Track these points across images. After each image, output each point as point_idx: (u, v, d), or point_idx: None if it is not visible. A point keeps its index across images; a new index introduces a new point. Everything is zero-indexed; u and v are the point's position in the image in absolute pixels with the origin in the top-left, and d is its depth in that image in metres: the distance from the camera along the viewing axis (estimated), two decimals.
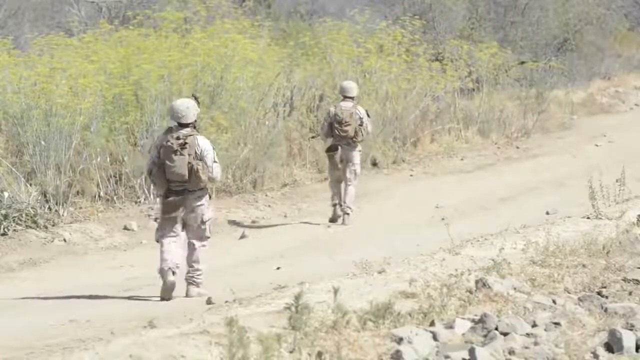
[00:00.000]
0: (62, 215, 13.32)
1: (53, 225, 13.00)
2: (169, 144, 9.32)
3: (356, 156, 13.96)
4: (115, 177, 14.59)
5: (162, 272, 9.37)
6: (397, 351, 6.09)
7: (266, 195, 15.61)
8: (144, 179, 14.47)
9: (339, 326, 6.25)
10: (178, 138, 9.32)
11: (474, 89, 21.51)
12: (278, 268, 10.94)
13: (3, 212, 12.67)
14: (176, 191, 9.39)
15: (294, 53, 19.30)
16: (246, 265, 11.27)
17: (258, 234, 13.65)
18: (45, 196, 13.35)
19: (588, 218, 11.11)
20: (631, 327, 6.75)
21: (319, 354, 5.93)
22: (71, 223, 13.27)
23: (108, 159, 14.65)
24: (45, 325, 8.29)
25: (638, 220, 10.66)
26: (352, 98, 13.99)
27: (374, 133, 16.45)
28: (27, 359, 6.76)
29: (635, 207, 11.61)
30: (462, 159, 19.25)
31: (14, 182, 13.24)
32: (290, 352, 5.88)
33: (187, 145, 9.28)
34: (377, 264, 8.85)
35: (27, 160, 13.83)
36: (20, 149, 14.15)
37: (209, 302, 8.75)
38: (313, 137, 16.13)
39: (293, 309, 6.00)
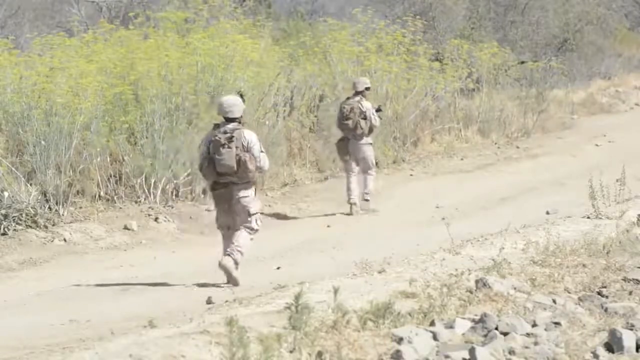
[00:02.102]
0: (62, 215, 13.32)
1: (53, 225, 12.99)
2: (216, 138, 9.81)
3: (364, 149, 14.75)
4: (116, 176, 14.58)
5: (223, 269, 9.79)
6: (397, 351, 6.09)
7: (266, 195, 15.60)
8: (143, 179, 14.49)
9: (339, 326, 6.25)
10: (225, 132, 9.81)
11: (474, 89, 21.52)
12: (278, 268, 10.94)
13: (3, 211, 12.67)
14: (223, 183, 9.86)
15: (294, 53, 19.30)
16: (246, 265, 11.26)
17: (258, 234, 13.62)
18: (45, 196, 13.34)
19: (588, 218, 11.11)
20: (631, 327, 6.75)
21: (319, 354, 5.93)
22: (71, 223, 13.27)
23: (108, 159, 14.65)
24: (45, 325, 8.30)
25: (638, 219, 10.66)
26: (360, 92, 14.82)
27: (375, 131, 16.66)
28: (27, 359, 6.76)
29: (636, 206, 11.61)
30: (462, 159, 19.26)
31: (14, 182, 13.24)
32: (291, 351, 5.88)
33: (234, 139, 9.76)
34: (377, 263, 8.86)
35: (27, 160, 13.83)
36: (20, 149, 14.14)
37: (209, 301, 8.76)
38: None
39: (293, 308, 6.00)
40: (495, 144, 20.76)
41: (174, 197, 14.71)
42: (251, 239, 9.98)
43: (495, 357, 6.13)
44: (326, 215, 14.59)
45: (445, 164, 18.79)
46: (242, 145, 9.78)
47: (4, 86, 14.38)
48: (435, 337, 6.42)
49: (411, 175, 17.96)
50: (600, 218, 10.98)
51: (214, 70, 15.65)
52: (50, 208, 13.26)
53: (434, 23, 25.01)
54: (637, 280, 8.33)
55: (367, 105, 14.74)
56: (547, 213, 13.57)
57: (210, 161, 9.83)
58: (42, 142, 13.72)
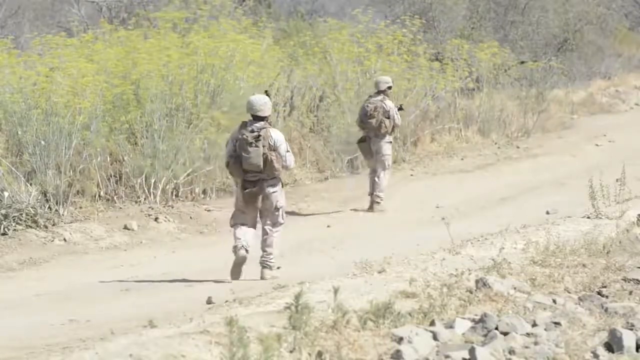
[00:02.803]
0: (62, 214, 13.31)
1: (53, 225, 12.99)
2: (244, 136, 10.02)
3: (385, 147, 14.90)
4: (116, 176, 14.58)
5: (235, 249, 10.01)
6: (397, 351, 6.09)
7: None
8: (143, 179, 14.49)
9: (339, 326, 6.25)
10: (252, 131, 10.03)
11: (474, 89, 21.52)
12: (278, 268, 10.92)
13: (3, 211, 12.67)
14: (252, 181, 10.05)
15: (294, 53, 19.30)
16: (246, 264, 11.26)
17: (258, 234, 13.62)
18: (45, 196, 13.34)
19: (588, 218, 11.10)
20: (631, 327, 6.75)
21: (319, 354, 5.93)
22: (71, 223, 13.26)
23: (108, 159, 14.64)
24: (45, 325, 8.29)
25: (638, 219, 10.66)
26: (382, 92, 15.00)
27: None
28: (27, 359, 6.76)
29: (636, 206, 11.60)
30: (462, 159, 19.25)
31: (14, 182, 13.23)
32: (291, 351, 5.88)
33: (261, 138, 9.98)
34: (377, 263, 8.85)
35: (27, 160, 13.82)
36: (20, 149, 14.14)
37: (209, 301, 8.76)
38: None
39: (293, 308, 6.00)
40: (496, 144, 20.76)
41: (174, 197, 14.72)
42: (279, 235, 10.26)
43: (495, 357, 6.13)
44: (327, 214, 14.58)
45: (446, 164, 18.79)
46: (269, 144, 10.01)
47: (4, 86, 14.37)
48: (435, 337, 6.42)
49: (411, 175, 17.95)
50: (600, 218, 10.97)
51: (214, 70, 15.64)
52: (50, 208, 13.25)
53: (434, 23, 25.01)
54: (637, 280, 8.33)
55: (390, 104, 14.95)
56: (547, 213, 13.57)
57: (236, 159, 10.05)
58: (42, 142, 13.71)
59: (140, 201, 14.40)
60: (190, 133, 14.97)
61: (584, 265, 8.72)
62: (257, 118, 10.11)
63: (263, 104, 10.16)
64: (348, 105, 18.08)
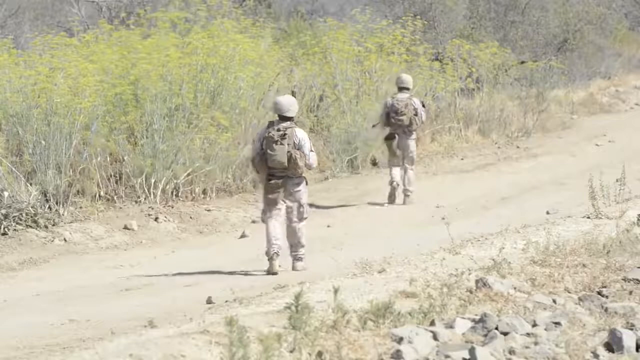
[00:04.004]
0: (63, 214, 13.32)
1: (53, 225, 12.99)
2: (270, 135, 10.48)
3: (412, 144, 15.28)
4: (116, 176, 14.58)
5: (268, 255, 10.55)
6: (398, 351, 6.09)
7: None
8: (143, 179, 14.49)
9: (339, 326, 6.25)
10: (279, 130, 10.49)
11: (474, 89, 21.52)
12: (279, 267, 10.94)
13: (3, 211, 12.67)
14: (277, 176, 10.55)
15: (294, 53, 19.30)
16: (246, 264, 11.27)
17: (258, 234, 13.63)
18: (45, 196, 13.34)
19: (588, 218, 11.09)
20: (631, 327, 6.74)
21: (319, 354, 5.93)
22: (71, 222, 13.26)
23: (108, 159, 14.65)
24: (45, 325, 8.29)
25: (638, 219, 10.65)
26: (408, 89, 15.22)
27: (376, 133, 16.89)
28: (27, 359, 6.77)
29: (636, 206, 11.60)
30: (462, 159, 19.25)
31: (14, 182, 13.24)
32: (291, 351, 5.87)
33: (286, 136, 10.44)
34: (377, 263, 8.85)
35: (28, 160, 13.83)
36: (20, 149, 14.15)
37: (209, 301, 8.77)
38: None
39: (293, 308, 6.00)
40: (496, 143, 20.76)
41: (174, 197, 14.72)
42: (305, 228, 10.76)
43: (495, 357, 6.13)
44: (327, 214, 14.57)
45: (446, 164, 18.78)
46: (294, 142, 10.46)
47: (4, 85, 14.38)
48: (435, 337, 6.42)
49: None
50: (601, 218, 10.96)
51: (214, 70, 15.64)
52: (50, 208, 13.25)
53: (434, 23, 25.01)
54: (637, 280, 8.32)
55: (418, 102, 15.24)
56: (548, 213, 13.56)
57: (262, 156, 10.50)
58: (42, 142, 13.72)
59: (140, 201, 14.40)
60: (190, 133, 14.97)
61: (584, 265, 8.71)
62: (283, 118, 10.56)
63: (290, 104, 10.63)
64: (348, 105, 18.08)
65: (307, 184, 10.80)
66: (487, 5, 26.69)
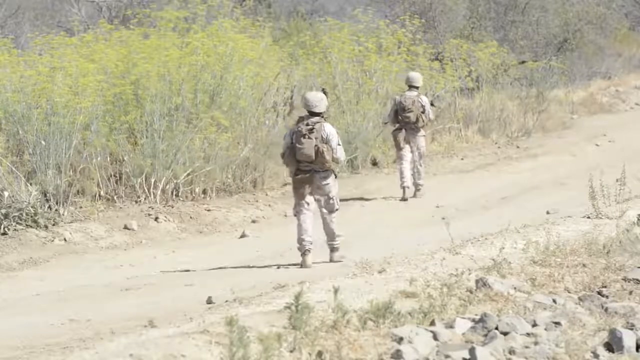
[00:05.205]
0: (63, 214, 13.32)
1: (53, 225, 12.99)
2: (299, 129, 10.83)
3: (421, 140, 15.71)
4: (116, 176, 14.59)
5: (300, 251, 10.83)
6: (398, 351, 6.09)
7: (266, 195, 15.61)
8: (143, 179, 14.49)
9: (339, 326, 6.25)
10: (307, 124, 10.82)
11: (474, 89, 21.52)
12: (278, 267, 10.95)
13: (3, 211, 12.67)
14: (305, 170, 10.85)
15: (294, 52, 19.29)
16: (246, 264, 11.28)
17: (258, 234, 13.65)
18: (45, 195, 13.34)
19: (588, 218, 11.09)
20: (631, 327, 6.74)
21: (319, 354, 5.93)
22: (71, 222, 13.26)
23: (108, 159, 14.65)
24: (45, 325, 8.29)
25: (638, 219, 10.65)
26: (416, 87, 15.69)
27: (374, 133, 16.97)
28: (27, 359, 6.76)
29: (636, 206, 11.60)
30: (462, 159, 19.25)
31: (14, 182, 13.24)
32: (291, 351, 5.87)
33: (314, 130, 10.76)
34: (377, 263, 8.85)
35: (28, 160, 13.83)
36: (20, 149, 14.15)
37: (209, 301, 8.77)
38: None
39: (293, 308, 6.00)
40: (496, 143, 20.76)
41: (174, 196, 14.72)
42: (336, 220, 11.03)
43: (495, 357, 6.13)
44: None
45: (446, 164, 18.78)
46: (322, 136, 10.78)
47: (5, 86, 14.38)
48: (435, 337, 6.42)
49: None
50: (601, 218, 10.96)
51: (213, 69, 15.64)
52: (50, 208, 13.25)
53: (434, 23, 25.01)
54: (637, 280, 8.32)
55: (425, 100, 15.73)
56: (548, 213, 13.56)
57: (291, 150, 10.82)
58: (42, 142, 13.72)
59: (140, 201, 14.40)
60: (190, 133, 14.97)
61: (584, 265, 8.71)
62: (312, 113, 10.87)
63: (319, 100, 10.92)
64: (348, 105, 18.08)
65: (336, 177, 11.05)
66: (487, 5, 26.68)
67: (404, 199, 15.48)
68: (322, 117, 10.93)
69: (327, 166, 10.87)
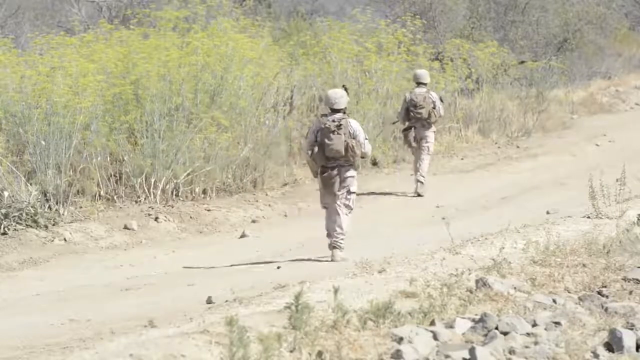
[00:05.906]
0: (63, 214, 13.32)
1: (53, 225, 12.99)
2: (326, 126, 10.94)
3: (430, 135, 15.95)
4: (116, 176, 14.58)
5: (330, 247, 11.06)
6: (398, 350, 6.09)
7: (266, 195, 15.61)
8: (143, 179, 14.49)
9: (339, 326, 6.25)
10: (334, 121, 10.96)
11: (474, 89, 21.51)
12: (278, 267, 10.95)
13: (3, 211, 12.67)
14: (331, 167, 10.96)
15: (294, 52, 19.29)
16: (246, 264, 11.28)
17: (258, 234, 13.65)
18: (45, 195, 13.34)
19: (588, 217, 11.10)
20: (631, 327, 6.75)
21: (319, 354, 5.93)
22: (71, 222, 13.26)
23: (108, 159, 14.65)
24: (45, 325, 8.29)
25: (638, 219, 10.65)
26: (425, 84, 15.97)
27: (374, 133, 16.99)
28: (27, 359, 6.76)
29: (636, 206, 11.60)
30: (462, 159, 19.25)
31: (14, 182, 13.24)
32: (291, 351, 5.88)
33: (341, 126, 10.90)
34: (377, 263, 8.85)
35: (28, 160, 13.83)
36: (20, 148, 14.15)
37: (209, 301, 8.77)
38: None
39: (293, 308, 6.00)
40: (496, 143, 20.76)
41: (174, 196, 14.72)
42: (349, 218, 11.15)
43: (495, 357, 6.13)
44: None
45: (446, 164, 18.78)
46: (349, 132, 10.92)
47: (5, 85, 14.38)
48: (435, 337, 6.42)
49: (411, 175, 17.91)
50: (601, 218, 10.97)
51: (213, 69, 15.64)
52: (50, 207, 13.25)
53: (434, 23, 25.00)
54: (637, 280, 8.33)
55: (435, 96, 15.96)
56: (548, 213, 13.56)
57: (320, 146, 10.91)
58: (42, 142, 13.72)
59: (140, 201, 14.40)
60: (190, 133, 14.97)
61: (584, 265, 8.71)
62: (334, 110, 11.01)
63: (340, 97, 11.05)
64: (348, 105, 18.04)
65: (356, 170, 11.13)
66: (487, 5, 26.67)
67: (418, 195, 15.73)
68: (345, 113, 11.03)
69: (354, 161, 10.98)
